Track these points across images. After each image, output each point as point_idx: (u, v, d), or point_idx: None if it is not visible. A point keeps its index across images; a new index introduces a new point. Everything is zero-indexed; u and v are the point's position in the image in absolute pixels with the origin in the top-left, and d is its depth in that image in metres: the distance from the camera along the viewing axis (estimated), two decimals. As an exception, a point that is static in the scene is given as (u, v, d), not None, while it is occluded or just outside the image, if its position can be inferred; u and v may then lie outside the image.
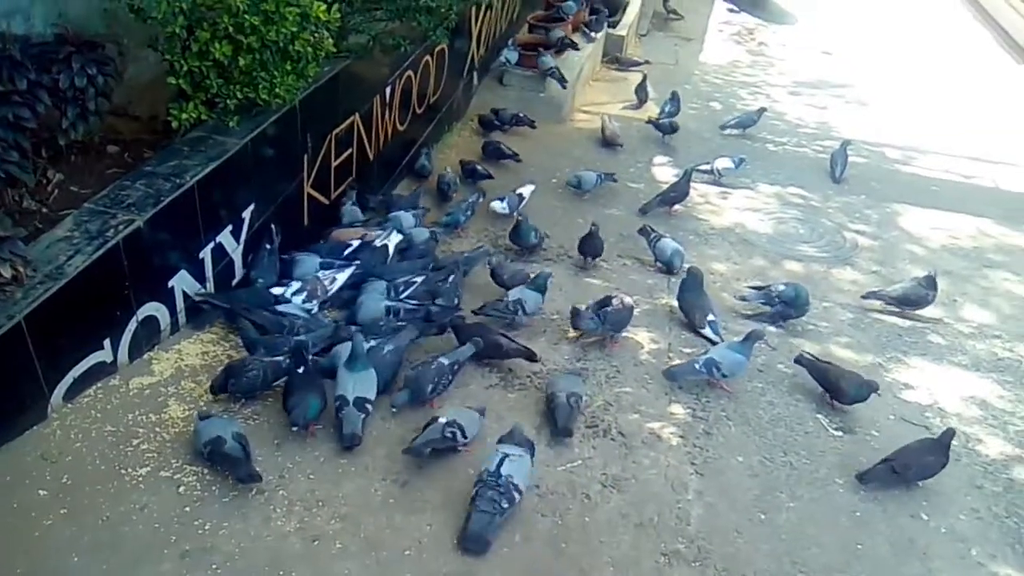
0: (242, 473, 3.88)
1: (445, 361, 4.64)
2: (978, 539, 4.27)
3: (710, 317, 5.58)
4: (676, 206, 7.37)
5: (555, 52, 9.46)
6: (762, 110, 9.42)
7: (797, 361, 5.18)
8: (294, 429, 4.21)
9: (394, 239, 5.77)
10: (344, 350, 4.64)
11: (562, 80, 8.92)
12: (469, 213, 6.70)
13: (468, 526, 3.80)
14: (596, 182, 7.39)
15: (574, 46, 9.90)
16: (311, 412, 4.19)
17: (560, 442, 4.49)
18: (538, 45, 9.40)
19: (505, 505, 3.84)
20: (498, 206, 6.78)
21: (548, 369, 5.03)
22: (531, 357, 5.01)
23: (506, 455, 3.98)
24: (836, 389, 4.98)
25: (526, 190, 7.04)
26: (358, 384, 4.31)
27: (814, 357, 5.17)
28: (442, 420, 4.22)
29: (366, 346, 4.50)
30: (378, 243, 5.70)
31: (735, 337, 5.38)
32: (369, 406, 4.29)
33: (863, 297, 6.22)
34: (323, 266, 5.39)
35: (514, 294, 5.44)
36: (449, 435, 4.17)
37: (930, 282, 6.08)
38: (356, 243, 5.68)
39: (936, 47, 13.31)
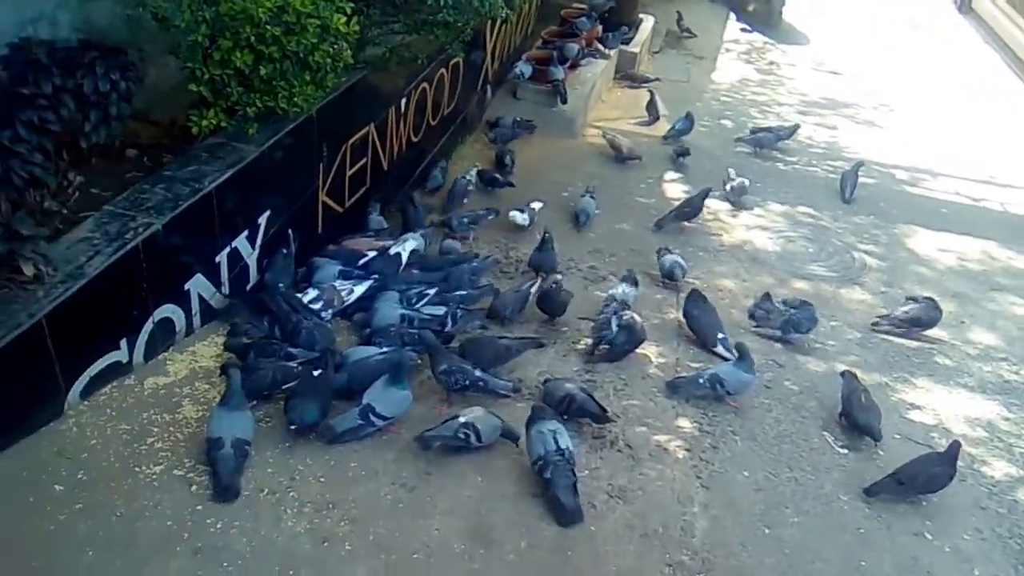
0: (217, 487, 3.88)
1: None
2: (981, 559, 4.31)
3: (720, 335, 5.62)
4: (688, 222, 7.44)
5: (569, 66, 9.53)
6: (796, 127, 9.66)
7: (842, 375, 5.21)
8: (291, 428, 4.23)
9: (408, 247, 5.83)
10: (355, 352, 4.77)
11: (564, 95, 9.02)
12: (466, 222, 6.69)
13: (561, 505, 4.06)
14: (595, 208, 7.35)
15: (598, 54, 10.12)
16: (309, 415, 4.23)
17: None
18: (549, 60, 9.44)
19: (576, 475, 4.16)
20: (518, 217, 6.79)
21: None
22: (539, 344, 5.21)
23: (554, 431, 4.21)
24: (848, 414, 5.01)
25: (535, 205, 7.04)
26: (380, 398, 4.36)
27: (855, 377, 5.19)
28: (461, 419, 4.29)
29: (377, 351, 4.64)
30: (392, 251, 5.76)
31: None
32: (375, 418, 4.31)
33: (872, 325, 6.26)
34: (342, 275, 5.45)
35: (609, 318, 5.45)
36: (463, 436, 4.26)
37: (931, 304, 6.15)
38: (372, 254, 5.74)
39: (945, 69, 13.36)
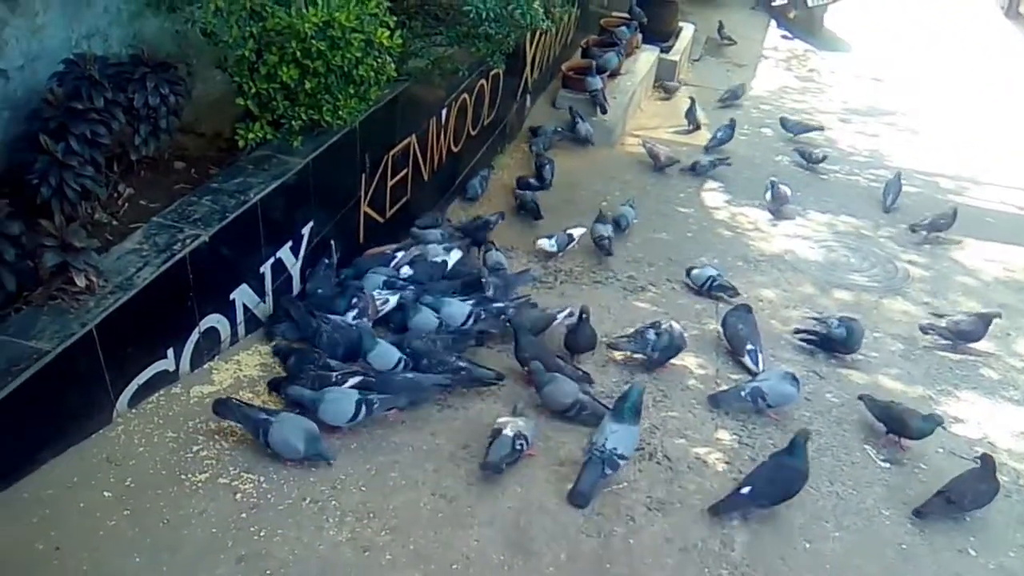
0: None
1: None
2: (1028, 577, 4.24)
3: (749, 346, 5.56)
4: (940, 233, 7.79)
5: (608, 75, 9.53)
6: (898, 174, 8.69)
7: (860, 398, 5.15)
8: None
9: (454, 256, 5.91)
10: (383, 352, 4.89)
11: (604, 106, 9.03)
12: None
13: (576, 485, 4.26)
14: (634, 217, 7.34)
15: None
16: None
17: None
18: (588, 70, 9.43)
19: (608, 471, 4.31)
20: (546, 244, 6.63)
21: (596, 391, 5.08)
22: (589, 380, 5.15)
23: (612, 431, 4.35)
24: (902, 425, 4.92)
25: (577, 231, 6.80)
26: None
27: (872, 398, 5.11)
28: (508, 433, 4.34)
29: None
30: (438, 259, 5.83)
31: (782, 365, 5.41)
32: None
33: (921, 328, 6.19)
34: (386, 284, 5.49)
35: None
36: (519, 447, 4.32)
37: (986, 319, 6.08)
38: (401, 254, 5.82)
39: (990, 75, 13.16)
